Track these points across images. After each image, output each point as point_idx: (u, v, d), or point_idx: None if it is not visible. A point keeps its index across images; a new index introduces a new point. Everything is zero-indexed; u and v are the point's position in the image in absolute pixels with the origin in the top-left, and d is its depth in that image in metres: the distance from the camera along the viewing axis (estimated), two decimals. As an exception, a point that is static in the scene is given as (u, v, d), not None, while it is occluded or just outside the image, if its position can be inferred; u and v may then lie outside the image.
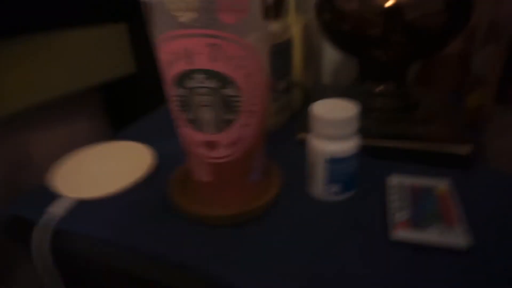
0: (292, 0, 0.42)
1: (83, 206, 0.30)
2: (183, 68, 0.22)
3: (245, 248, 0.26)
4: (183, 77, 0.23)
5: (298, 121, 0.40)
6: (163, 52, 0.22)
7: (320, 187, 0.30)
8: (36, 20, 0.43)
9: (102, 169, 0.35)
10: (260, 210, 0.28)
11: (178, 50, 0.21)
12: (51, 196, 0.32)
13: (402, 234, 0.26)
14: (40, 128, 0.47)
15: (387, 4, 0.31)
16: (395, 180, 0.31)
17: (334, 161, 0.29)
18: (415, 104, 0.37)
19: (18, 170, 0.44)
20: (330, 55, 0.48)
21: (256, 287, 0.23)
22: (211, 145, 0.25)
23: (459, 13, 0.32)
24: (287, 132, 0.39)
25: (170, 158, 0.35)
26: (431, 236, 0.25)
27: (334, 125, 0.28)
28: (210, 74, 0.22)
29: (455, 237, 0.25)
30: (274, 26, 0.35)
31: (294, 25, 0.41)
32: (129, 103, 0.61)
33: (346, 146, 0.28)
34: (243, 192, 0.28)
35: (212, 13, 0.20)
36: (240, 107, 0.24)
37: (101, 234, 0.28)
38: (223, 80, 0.23)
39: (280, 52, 0.36)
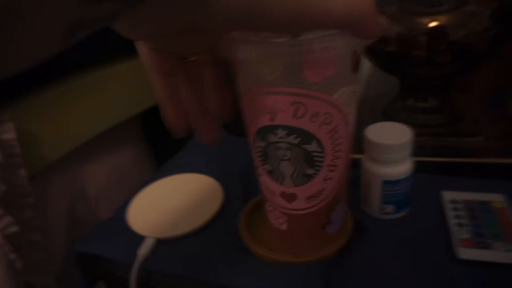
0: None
1: (162, 245, 0.32)
2: (266, 124, 0.23)
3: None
4: (266, 131, 0.23)
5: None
6: (247, 105, 0.24)
7: (376, 206, 0.31)
8: (83, 58, 0.45)
9: (175, 205, 0.36)
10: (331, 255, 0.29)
11: (262, 105, 0.22)
12: (126, 233, 0.34)
13: (468, 252, 0.26)
14: (90, 160, 0.49)
15: (431, 25, 0.32)
16: (450, 196, 0.32)
17: (389, 183, 0.30)
18: (460, 117, 0.38)
19: (76, 204, 0.47)
20: (367, 70, 0.49)
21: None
22: (289, 197, 0.26)
23: (505, 29, 0.32)
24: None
25: (237, 191, 0.37)
26: (498, 254, 0.26)
27: (389, 151, 0.29)
28: (292, 130, 0.22)
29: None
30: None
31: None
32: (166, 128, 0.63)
33: (401, 169, 0.30)
34: (318, 242, 0.29)
35: (298, 72, 0.21)
36: (322, 162, 0.24)
37: (180, 272, 0.29)
38: (306, 136, 0.23)
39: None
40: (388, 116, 0.39)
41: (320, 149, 0.23)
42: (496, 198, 0.31)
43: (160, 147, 0.60)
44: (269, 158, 0.25)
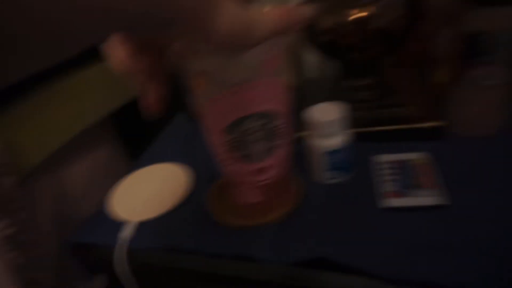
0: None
1: (142, 226, 0.38)
2: (237, 117, 0.28)
3: (285, 232, 0.33)
4: (236, 124, 0.29)
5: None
6: (212, 111, 0.29)
7: (323, 174, 0.38)
8: (53, 67, 0.49)
9: (151, 192, 0.42)
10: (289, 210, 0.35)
11: (231, 104, 0.28)
12: (111, 221, 0.39)
13: (388, 202, 0.33)
14: (70, 161, 0.53)
15: (357, 15, 0.38)
16: (380, 159, 0.38)
17: (331, 153, 0.36)
18: (392, 91, 0.45)
19: (62, 202, 0.51)
20: (311, 57, 0.55)
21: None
22: (261, 171, 0.32)
23: (416, 14, 0.39)
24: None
25: (201, 175, 0.43)
26: (411, 200, 0.33)
27: (328, 126, 0.35)
28: (262, 114, 0.29)
29: (431, 197, 0.33)
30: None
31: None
32: (136, 124, 0.67)
33: (339, 140, 0.36)
34: (282, 201, 0.36)
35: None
36: (281, 132, 0.31)
37: (163, 245, 0.35)
38: (272, 115, 0.29)
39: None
40: (334, 95, 0.45)
41: (281, 122, 0.30)
42: (418, 156, 0.38)
43: (132, 143, 0.64)
44: (241, 145, 0.30)
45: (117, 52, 0.25)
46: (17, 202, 0.42)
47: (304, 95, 0.47)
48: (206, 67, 0.26)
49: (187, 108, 0.56)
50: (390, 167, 0.37)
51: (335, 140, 0.36)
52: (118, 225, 0.38)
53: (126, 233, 0.37)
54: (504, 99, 0.38)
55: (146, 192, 0.42)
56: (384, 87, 0.44)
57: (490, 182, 0.33)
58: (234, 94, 0.27)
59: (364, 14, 0.38)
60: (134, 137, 0.64)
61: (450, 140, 0.39)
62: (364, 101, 0.44)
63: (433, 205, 0.32)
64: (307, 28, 0.41)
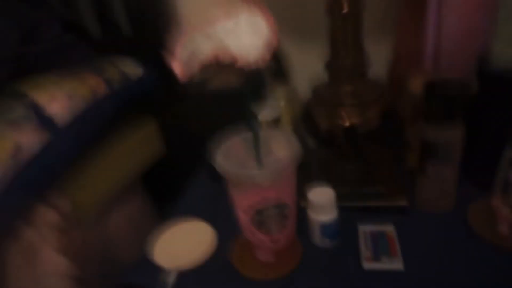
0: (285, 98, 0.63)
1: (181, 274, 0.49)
2: (260, 208, 0.41)
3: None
4: (258, 211, 0.42)
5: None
6: (241, 201, 0.42)
7: (318, 239, 0.50)
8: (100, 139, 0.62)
9: (185, 245, 0.53)
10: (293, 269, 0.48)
11: (256, 198, 0.41)
12: (155, 267, 0.51)
13: (368, 265, 0.46)
14: (109, 213, 0.65)
15: (346, 125, 0.52)
16: (362, 228, 0.51)
17: (323, 225, 0.49)
18: (372, 174, 0.58)
19: (105, 250, 0.63)
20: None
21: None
22: (274, 241, 0.44)
23: (390, 122, 0.53)
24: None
25: (224, 233, 0.55)
26: (383, 265, 0.46)
27: (322, 206, 0.48)
28: (277, 206, 0.42)
29: (395, 263, 0.45)
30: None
31: (285, 115, 0.62)
32: (163, 181, 0.80)
33: (329, 217, 0.49)
34: (289, 259, 0.48)
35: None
36: (290, 214, 0.44)
37: None
38: (284, 206, 0.42)
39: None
40: (327, 174, 0.58)
41: (289, 208, 0.43)
42: (388, 228, 0.51)
43: (159, 199, 0.76)
44: (262, 224, 0.43)
45: None
46: (80, 247, 0.54)
47: (308, 173, 0.60)
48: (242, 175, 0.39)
49: (209, 169, 0.69)
50: (370, 236, 0.50)
51: (327, 216, 0.49)
52: (159, 270, 0.50)
53: (169, 279, 0.49)
54: (453, 188, 0.52)
55: (181, 245, 0.54)
56: (366, 171, 0.58)
57: (443, 250, 0.46)
58: (261, 192, 0.40)
59: (353, 122, 0.52)
60: (161, 194, 0.77)
61: (415, 215, 0.53)
62: (349, 182, 0.57)
63: (397, 270, 0.45)
64: (310, 126, 0.55)
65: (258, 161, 0.43)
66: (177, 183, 0.75)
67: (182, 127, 0.79)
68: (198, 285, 0.48)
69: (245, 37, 0.61)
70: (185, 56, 0.63)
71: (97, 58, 0.68)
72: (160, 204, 0.76)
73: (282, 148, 0.44)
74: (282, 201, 0.42)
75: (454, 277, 0.44)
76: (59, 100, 0.58)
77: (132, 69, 0.72)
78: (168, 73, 0.69)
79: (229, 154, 0.43)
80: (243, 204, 0.42)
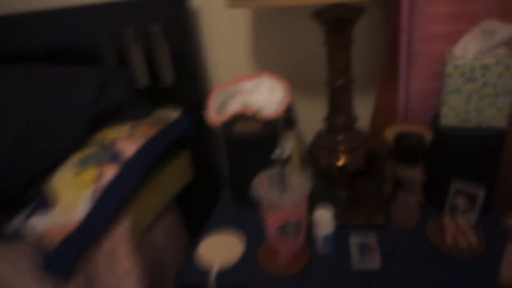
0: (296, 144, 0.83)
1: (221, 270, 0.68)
2: (283, 223, 0.60)
3: (306, 277, 0.64)
4: (281, 227, 0.60)
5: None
6: (272, 220, 0.61)
7: (320, 246, 0.69)
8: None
9: (222, 247, 0.72)
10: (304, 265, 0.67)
11: (281, 217, 0.59)
12: (201, 266, 0.69)
13: (357, 265, 0.65)
14: (152, 227, 0.83)
15: (339, 164, 0.72)
16: (352, 240, 0.71)
17: (324, 237, 0.68)
18: (358, 199, 0.78)
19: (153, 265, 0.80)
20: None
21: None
22: (291, 247, 0.63)
23: (371, 162, 0.73)
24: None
25: (251, 236, 0.73)
26: (367, 265, 0.65)
27: (326, 224, 0.67)
28: (296, 222, 0.61)
29: (375, 264, 0.65)
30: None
31: (294, 154, 0.82)
32: (192, 201, 0.98)
33: (330, 230, 0.68)
34: (300, 261, 0.67)
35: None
36: (302, 229, 0.63)
37: (235, 282, 0.65)
38: (300, 222, 0.61)
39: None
40: (326, 198, 0.78)
41: (303, 224, 0.62)
42: (371, 240, 0.70)
43: (189, 218, 0.95)
44: (282, 235, 0.62)
45: None
46: (139, 252, 0.71)
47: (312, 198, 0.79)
48: (272, 201, 0.58)
49: (233, 194, 0.87)
50: (358, 246, 0.69)
51: (327, 230, 0.68)
52: (204, 268, 0.68)
53: (213, 272, 0.66)
54: (416, 210, 0.72)
55: (218, 249, 0.72)
56: (354, 197, 0.78)
57: (409, 255, 0.66)
58: (284, 213, 0.60)
59: (344, 161, 0.72)
60: (190, 213, 0.95)
61: (390, 230, 0.72)
62: (341, 203, 0.77)
63: (376, 269, 0.64)
64: (313, 164, 0.75)
65: (281, 192, 0.62)
66: (202, 204, 0.94)
67: (208, 160, 0.99)
68: (233, 278, 0.66)
69: (264, 95, 0.82)
70: (216, 106, 0.83)
71: (147, 107, 0.87)
72: (189, 220, 0.94)
73: (297, 182, 0.63)
74: (298, 220, 0.61)
75: (415, 273, 0.63)
76: (122, 142, 0.77)
77: (172, 113, 0.91)
78: (201, 117, 0.89)
79: (260, 186, 0.62)
80: (271, 221, 0.61)
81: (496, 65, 0.63)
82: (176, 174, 0.92)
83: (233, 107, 0.81)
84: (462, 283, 0.61)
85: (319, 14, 0.65)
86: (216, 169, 1.02)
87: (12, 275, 0.58)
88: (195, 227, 0.86)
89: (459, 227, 0.68)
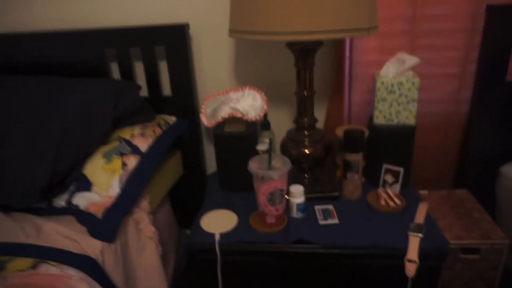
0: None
1: (221, 236, 0.89)
2: (271, 191, 0.84)
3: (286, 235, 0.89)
4: (271, 194, 0.84)
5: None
6: (261, 190, 0.84)
7: (294, 213, 0.94)
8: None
9: (221, 220, 0.93)
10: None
11: (269, 187, 0.83)
12: (205, 232, 0.90)
13: (321, 222, 0.91)
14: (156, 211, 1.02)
15: (307, 152, 0.98)
16: (317, 208, 0.97)
17: (298, 204, 0.94)
18: (319, 179, 1.05)
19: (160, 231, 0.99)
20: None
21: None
22: (277, 210, 0.87)
23: (327, 151, 1.01)
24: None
25: (241, 213, 0.96)
26: (328, 222, 0.91)
27: (297, 194, 0.93)
28: (280, 190, 0.84)
29: (335, 220, 0.91)
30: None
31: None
32: (182, 193, 1.18)
33: (301, 200, 0.94)
34: (281, 222, 0.91)
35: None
36: (284, 195, 0.87)
37: (236, 241, 0.87)
38: (282, 190, 0.85)
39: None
40: (297, 179, 1.03)
41: (285, 192, 0.87)
42: (330, 206, 0.97)
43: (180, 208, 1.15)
44: (270, 200, 0.86)
45: None
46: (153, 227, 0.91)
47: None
48: (264, 174, 0.83)
49: (221, 182, 1.09)
50: (321, 210, 0.96)
51: (299, 200, 0.93)
52: (207, 234, 0.89)
53: (217, 237, 0.88)
54: (360, 186, 1.00)
55: (217, 221, 0.94)
56: (316, 178, 1.05)
57: (356, 215, 0.94)
58: (273, 183, 0.84)
59: (309, 150, 0.99)
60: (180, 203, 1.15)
61: (342, 200, 1.00)
62: (309, 183, 1.03)
63: (335, 223, 0.91)
64: (286, 154, 1.01)
65: (269, 167, 0.87)
66: (190, 197, 1.15)
67: (199, 157, 1.20)
68: (233, 239, 0.88)
69: (248, 102, 1.07)
70: (209, 112, 1.06)
71: (152, 112, 1.08)
72: (178, 210, 1.15)
73: (279, 162, 0.88)
74: (282, 188, 0.86)
75: (361, 224, 0.91)
76: (137, 139, 0.97)
77: (170, 118, 1.12)
78: (193, 121, 1.12)
79: (255, 166, 0.86)
80: (262, 190, 0.85)
81: (406, 82, 0.95)
82: (171, 170, 1.13)
83: (224, 112, 1.05)
84: (391, 228, 0.89)
85: (291, 44, 0.92)
86: (202, 166, 1.23)
87: (73, 234, 0.75)
88: (184, 218, 1.06)
89: (388, 194, 0.98)
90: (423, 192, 1.12)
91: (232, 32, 0.88)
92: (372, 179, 1.05)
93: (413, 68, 0.97)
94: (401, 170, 0.99)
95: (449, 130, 1.16)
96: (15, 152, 0.81)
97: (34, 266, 0.66)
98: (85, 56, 1.09)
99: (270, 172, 0.85)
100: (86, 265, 0.70)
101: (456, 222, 0.99)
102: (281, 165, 0.88)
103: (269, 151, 0.87)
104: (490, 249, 0.91)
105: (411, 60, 0.97)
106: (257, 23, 0.80)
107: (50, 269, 0.66)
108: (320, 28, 0.77)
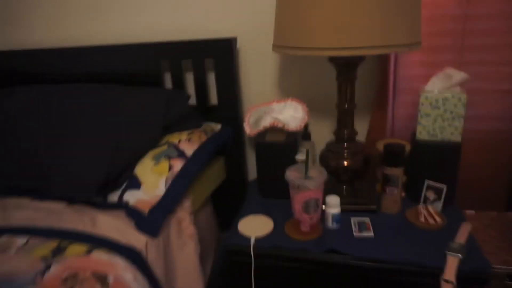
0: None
1: (257, 240, 0.93)
2: (306, 200, 0.87)
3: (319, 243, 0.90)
4: (305, 202, 0.87)
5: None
6: (297, 199, 0.87)
7: (330, 223, 0.96)
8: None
9: (256, 224, 0.97)
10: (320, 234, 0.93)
11: (304, 197, 0.86)
12: (241, 235, 0.94)
13: (355, 235, 0.91)
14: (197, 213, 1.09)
15: (345, 164, 0.99)
16: (353, 220, 0.97)
17: (333, 215, 0.95)
18: (358, 191, 1.05)
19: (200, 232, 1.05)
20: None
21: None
22: (311, 218, 0.89)
23: (367, 163, 1.01)
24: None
25: (277, 219, 0.99)
26: (363, 234, 0.91)
27: (335, 205, 0.94)
28: (315, 199, 0.87)
29: (370, 233, 0.91)
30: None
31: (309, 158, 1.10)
32: (224, 198, 1.24)
33: (337, 210, 0.95)
34: (316, 231, 0.93)
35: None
36: (319, 205, 0.89)
37: (270, 246, 0.91)
38: (318, 199, 0.88)
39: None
40: (334, 192, 1.05)
41: (320, 202, 0.89)
42: (366, 220, 0.97)
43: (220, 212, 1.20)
44: (305, 209, 0.88)
45: None
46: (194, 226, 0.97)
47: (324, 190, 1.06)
48: (301, 183, 0.85)
49: (260, 190, 1.13)
50: (357, 222, 0.96)
51: (335, 210, 0.94)
52: (243, 238, 0.93)
53: (252, 241, 0.92)
54: (399, 200, 0.99)
55: (254, 224, 0.98)
56: (355, 190, 1.05)
57: (393, 230, 0.93)
58: (308, 192, 0.86)
59: (348, 162, 1.00)
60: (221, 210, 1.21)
61: (380, 214, 0.99)
62: (347, 195, 1.04)
63: (371, 236, 0.91)
64: (324, 165, 1.02)
65: (306, 177, 0.89)
66: (231, 202, 1.20)
67: (241, 164, 1.26)
68: (267, 244, 0.91)
69: (289, 113, 1.10)
70: (252, 121, 1.11)
71: (198, 120, 1.15)
72: (219, 213, 1.20)
73: (315, 172, 0.90)
74: (317, 198, 0.88)
75: (397, 240, 0.89)
76: (184, 144, 1.04)
77: (216, 126, 1.19)
78: (237, 130, 1.17)
79: (292, 174, 0.89)
80: (298, 199, 0.88)
81: (452, 98, 0.93)
82: (214, 174, 1.19)
83: (266, 122, 1.09)
84: (429, 246, 0.87)
85: (334, 59, 0.95)
86: (244, 173, 1.28)
87: (122, 227, 0.83)
88: (224, 221, 1.10)
89: (429, 211, 0.96)
90: (470, 212, 1.07)
91: (276, 47, 0.92)
92: (413, 196, 1.03)
93: (462, 84, 0.95)
94: (444, 187, 0.96)
95: (500, 148, 1.10)
96: (77, 152, 0.92)
97: (88, 252, 0.74)
98: (142, 67, 1.20)
99: (305, 182, 0.87)
100: (132, 256, 0.77)
101: (504, 247, 0.93)
102: (317, 175, 0.90)
103: (305, 161, 0.89)
104: (540, 277, 0.85)
105: (459, 75, 0.95)
106: (300, 39, 0.84)
107: (101, 256, 0.74)
108: (361, 44, 0.79)
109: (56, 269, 0.69)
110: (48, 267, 0.69)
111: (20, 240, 0.78)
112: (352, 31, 0.78)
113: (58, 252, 0.74)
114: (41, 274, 0.68)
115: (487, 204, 1.18)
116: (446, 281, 0.78)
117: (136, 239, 0.82)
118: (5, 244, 0.77)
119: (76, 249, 0.75)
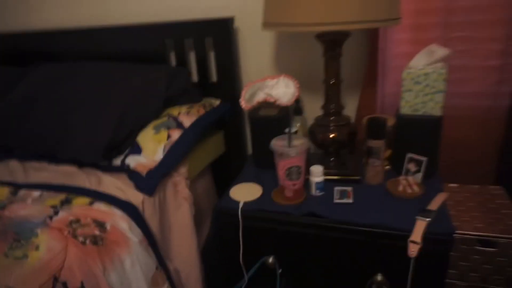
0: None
1: (245, 204, 1.02)
2: (289, 167, 0.94)
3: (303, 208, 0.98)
4: (288, 169, 0.94)
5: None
6: (281, 165, 0.95)
7: (313, 191, 1.03)
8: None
9: (246, 191, 1.06)
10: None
11: (288, 163, 0.94)
12: (232, 199, 1.03)
13: (336, 201, 0.98)
14: (196, 179, 1.18)
15: (331, 136, 1.06)
16: (336, 189, 1.04)
17: (317, 183, 1.02)
18: (342, 163, 1.11)
19: (196, 200, 1.15)
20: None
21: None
22: (294, 184, 0.96)
23: (352, 136, 1.07)
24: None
25: (267, 186, 1.07)
26: (343, 201, 0.98)
27: (318, 174, 1.01)
28: (297, 167, 0.94)
29: (350, 200, 0.98)
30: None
31: (300, 131, 1.16)
32: (224, 168, 1.33)
33: (321, 179, 1.02)
34: (300, 196, 1.00)
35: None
36: (302, 172, 0.96)
37: (253, 211, 0.99)
38: (300, 166, 0.95)
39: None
40: (320, 163, 1.11)
41: (302, 169, 0.96)
42: (349, 189, 1.03)
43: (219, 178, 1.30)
44: (289, 175, 0.96)
45: None
46: (190, 189, 1.06)
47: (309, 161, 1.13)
48: (283, 151, 0.93)
49: (254, 160, 1.22)
50: (339, 191, 1.03)
51: (318, 179, 1.01)
52: (233, 202, 1.02)
53: (241, 204, 1.01)
54: (381, 171, 1.05)
55: (245, 191, 1.06)
56: (340, 161, 1.12)
57: (374, 198, 0.99)
58: (290, 160, 0.94)
59: (334, 134, 1.06)
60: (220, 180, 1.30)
61: (363, 184, 1.05)
62: (332, 166, 1.10)
63: (350, 203, 0.97)
64: (313, 138, 1.09)
65: (289, 145, 0.96)
66: (230, 172, 1.29)
67: (239, 138, 1.34)
68: (254, 208, 1.00)
69: (281, 89, 1.17)
70: (247, 97, 1.19)
71: (198, 95, 1.24)
72: (220, 184, 1.29)
73: (299, 141, 0.97)
74: (299, 165, 0.95)
75: (371, 208, 0.96)
76: (183, 116, 1.13)
77: (215, 101, 1.28)
78: (236, 105, 1.25)
79: (276, 143, 0.97)
80: (282, 166, 0.96)
81: (432, 73, 0.97)
82: (213, 146, 1.28)
83: (260, 97, 1.17)
84: (403, 212, 0.93)
85: (320, 36, 1.01)
86: (243, 146, 1.37)
87: (123, 186, 0.94)
88: (223, 191, 1.20)
89: (408, 182, 1.01)
90: (453, 185, 1.11)
91: (265, 24, 0.99)
92: (398, 169, 1.08)
93: (448, 60, 0.98)
94: (424, 159, 1.01)
95: (488, 124, 1.13)
96: (86, 119, 1.03)
97: (91, 203, 0.86)
98: (149, 46, 1.30)
99: (287, 149, 0.94)
100: (129, 209, 0.88)
101: (479, 216, 0.97)
102: (300, 145, 0.97)
103: (288, 131, 0.97)
104: (509, 244, 0.89)
105: (441, 51, 0.98)
106: (285, 16, 0.90)
107: (101, 207, 0.85)
108: (341, 19, 0.84)
109: (63, 215, 0.81)
110: (56, 213, 0.81)
111: (36, 193, 0.91)
112: (334, 8, 0.84)
113: (65, 202, 0.85)
114: (50, 218, 0.80)
115: (477, 181, 1.21)
116: (413, 241, 0.84)
117: (134, 196, 0.92)
118: (23, 196, 0.90)
119: (80, 200, 0.87)
